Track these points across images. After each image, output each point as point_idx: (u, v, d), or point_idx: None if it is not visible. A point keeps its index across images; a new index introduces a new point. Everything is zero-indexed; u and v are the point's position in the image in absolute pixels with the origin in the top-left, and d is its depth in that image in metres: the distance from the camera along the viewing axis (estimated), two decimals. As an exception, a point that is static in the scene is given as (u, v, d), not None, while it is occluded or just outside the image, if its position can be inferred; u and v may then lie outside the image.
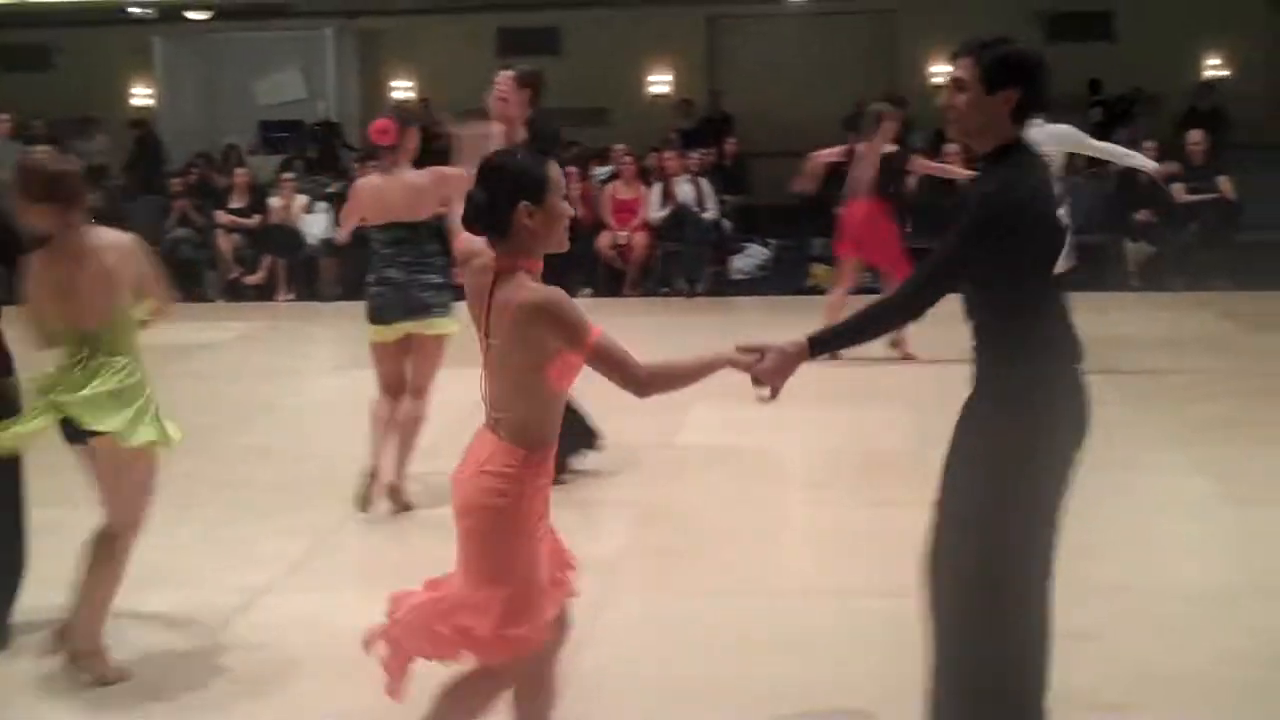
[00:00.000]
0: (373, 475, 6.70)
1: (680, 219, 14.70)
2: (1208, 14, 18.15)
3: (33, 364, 4.79)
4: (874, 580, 5.52)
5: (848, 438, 7.84)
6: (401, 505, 6.69)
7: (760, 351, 3.57)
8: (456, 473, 3.55)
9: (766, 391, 3.60)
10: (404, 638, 3.54)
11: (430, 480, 6.84)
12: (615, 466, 7.21)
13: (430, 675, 3.60)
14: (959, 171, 11.04)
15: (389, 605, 3.63)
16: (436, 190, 6.53)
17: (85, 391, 4.48)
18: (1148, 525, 6.36)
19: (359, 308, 6.92)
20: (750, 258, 15.50)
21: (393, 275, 6.63)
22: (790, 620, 5.22)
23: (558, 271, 3.72)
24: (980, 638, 3.54)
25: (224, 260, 15.44)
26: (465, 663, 3.55)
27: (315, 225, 15.16)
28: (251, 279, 15.26)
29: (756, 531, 6.44)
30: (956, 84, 3.51)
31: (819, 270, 13.97)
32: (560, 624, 3.66)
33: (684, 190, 14.89)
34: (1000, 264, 3.41)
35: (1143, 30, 18.39)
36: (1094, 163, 13.53)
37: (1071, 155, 10.72)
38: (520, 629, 3.42)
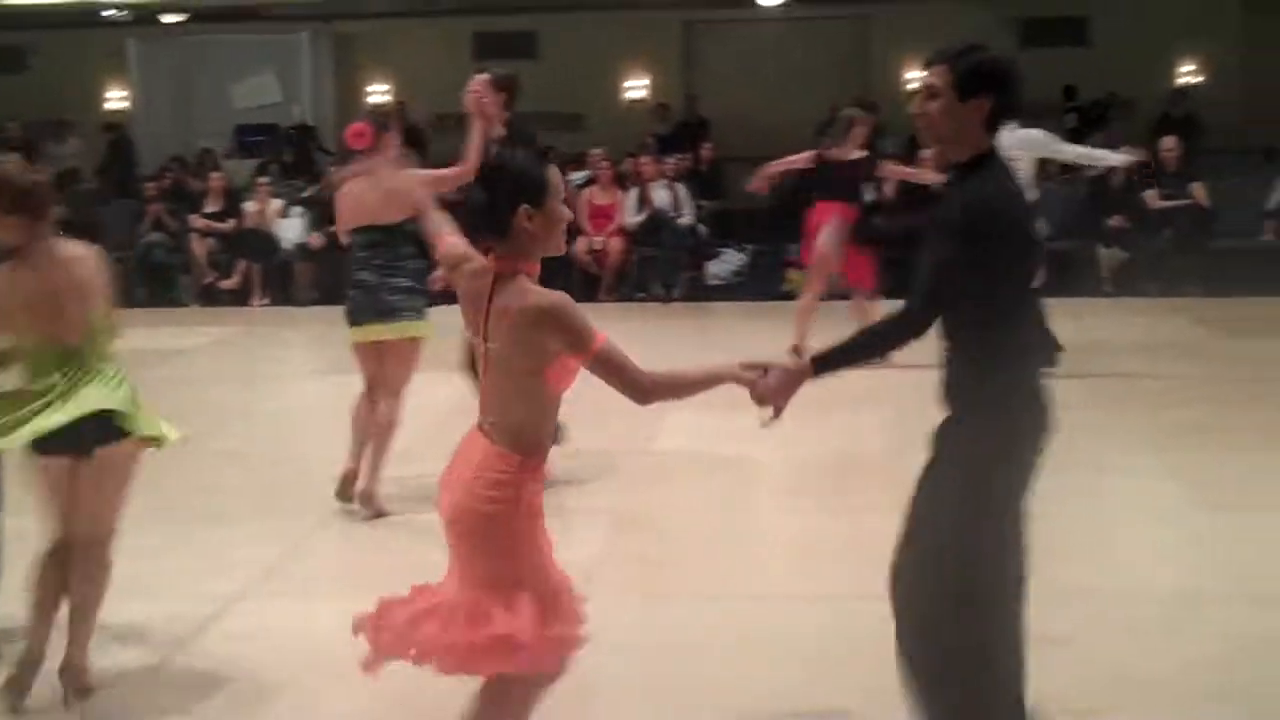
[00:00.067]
0: (350, 475, 6.72)
1: (656, 224, 14.72)
2: (1182, 20, 18.25)
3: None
4: (853, 585, 5.50)
5: (824, 443, 7.84)
6: (375, 511, 6.68)
7: (764, 369, 3.56)
8: (446, 477, 3.53)
9: (769, 413, 3.57)
10: (422, 655, 3.47)
11: (408, 484, 6.85)
12: (591, 473, 7.21)
13: (419, 678, 3.58)
14: (929, 176, 11.00)
15: (378, 611, 3.56)
16: (409, 193, 6.52)
17: (121, 393, 4.44)
18: (1120, 529, 6.38)
19: (334, 312, 6.91)
20: (726, 263, 15.51)
21: (366, 278, 6.64)
22: (770, 624, 5.23)
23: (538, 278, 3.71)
24: (957, 645, 3.53)
25: (198, 265, 15.38)
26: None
27: (290, 230, 15.13)
28: (226, 284, 15.21)
29: (734, 537, 6.45)
30: (929, 91, 3.52)
31: (795, 275, 13.96)
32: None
33: (660, 195, 14.91)
34: (979, 272, 3.42)
35: (1117, 36, 18.48)
36: (1066, 169, 13.61)
37: (1043, 162, 10.77)
38: (559, 626, 3.42)
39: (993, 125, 3.51)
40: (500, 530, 3.39)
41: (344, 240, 7.05)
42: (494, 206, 3.40)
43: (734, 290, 14.99)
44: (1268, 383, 9.44)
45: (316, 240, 14.57)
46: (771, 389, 3.54)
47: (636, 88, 19.97)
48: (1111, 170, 12.92)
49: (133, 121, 20.06)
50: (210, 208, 15.60)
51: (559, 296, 3.38)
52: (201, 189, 16.12)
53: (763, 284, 14.78)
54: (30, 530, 4.78)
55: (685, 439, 7.97)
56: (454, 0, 19.56)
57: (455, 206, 10.66)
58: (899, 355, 3.95)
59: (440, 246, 3.73)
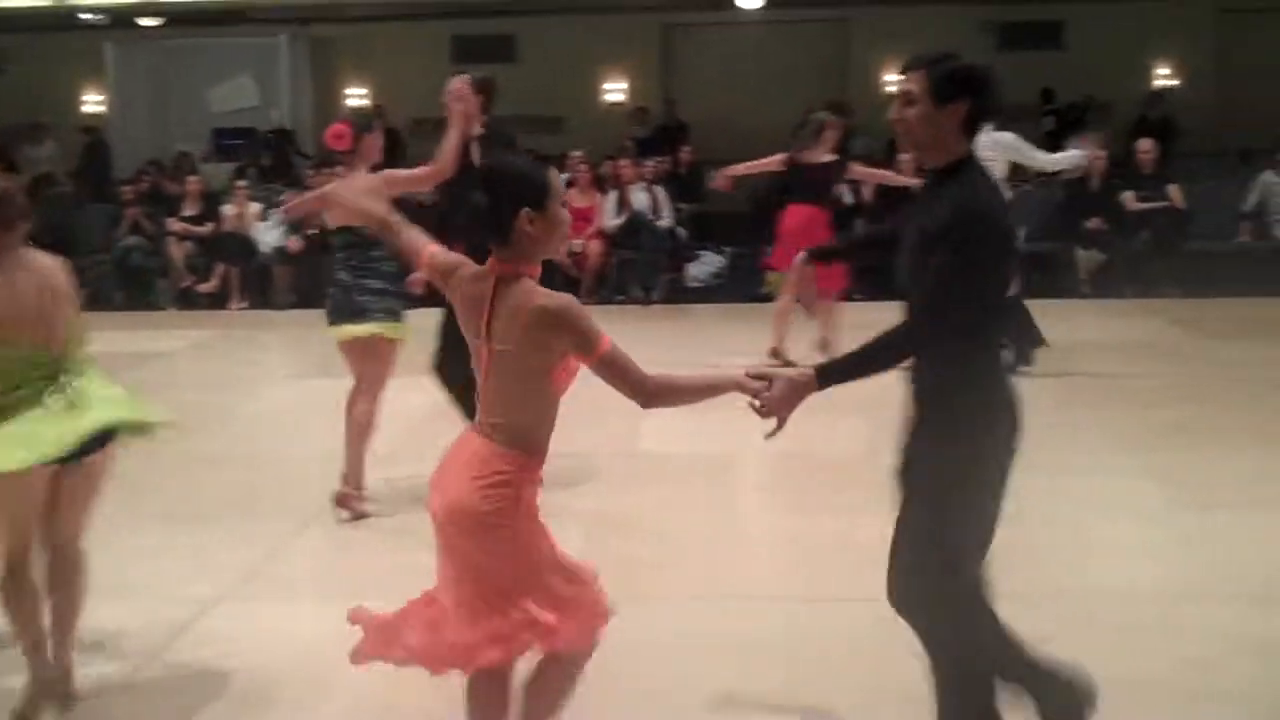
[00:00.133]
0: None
1: (635, 227, 14.73)
2: (1157, 23, 18.37)
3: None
4: (836, 586, 5.55)
5: (805, 444, 7.79)
6: (355, 513, 6.66)
7: (768, 380, 3.55)
8: (438, 478, 3.54)
9: (772, 424, 3.55)
10: (422, 660, 3.53)
11: (388, 486, 6.85)
12: (573, 476, 7.20)
13: (401, 681, 3.58)
14: (898, 179, 11.00)
15: (394, 623, 3.59)
16: (381, 193, 6.53)
17: (128, 399, 4.43)
18: (1099, 529, 6.40)
19: (313, 316, 6.91)
20: (705, 265, 15.53)
21: (343, 278, 6.65)
22: (755, 625, 5.23)
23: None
24: (962, 638, 3.61)
25: (176, 268, 15.33)
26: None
27: (268, 233, 15.09)
28: (204, 287, 15.16)
29: (716, 538, 6.44)
30: (906, 98, 3.53)
31: (774, 278, 13.98)
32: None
33: (639, 198, 14.92)
34: (967, 277, 3.42)
35: (1093, 39, 18.58)
36: (1042, 173, 13.67)
37: (1017, 165, 10.82)
38: (574, 608, 3.53)
39: (970, 129, 3.53)
40: (502, 529, 3.43)
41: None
42: (496, 209, 3.43)
43: (713, 292, 15.01)
44: (1245, 383, 9.49)
45: (295, 244, 14.54)
46: (775, 399, 3.52)
47: (616, 91, 20.00)
48: (1086, 178, 13.04)
49: (110, 125, 20.02)
50: (188, 211, 15.56)
51: (568, 298, 3.43)
52: (179, 192, 16.07)
53: (742, 286, 14.79)
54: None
55: (666, 441, 7.97)
56: (433, 4, 19.55)
57: (426, 209, 10.72)
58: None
59: (423, 258, 3.71)
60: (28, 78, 19.87)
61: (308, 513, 6.74)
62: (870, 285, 11.36)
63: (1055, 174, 13.43)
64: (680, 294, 14.85)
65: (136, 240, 15.57)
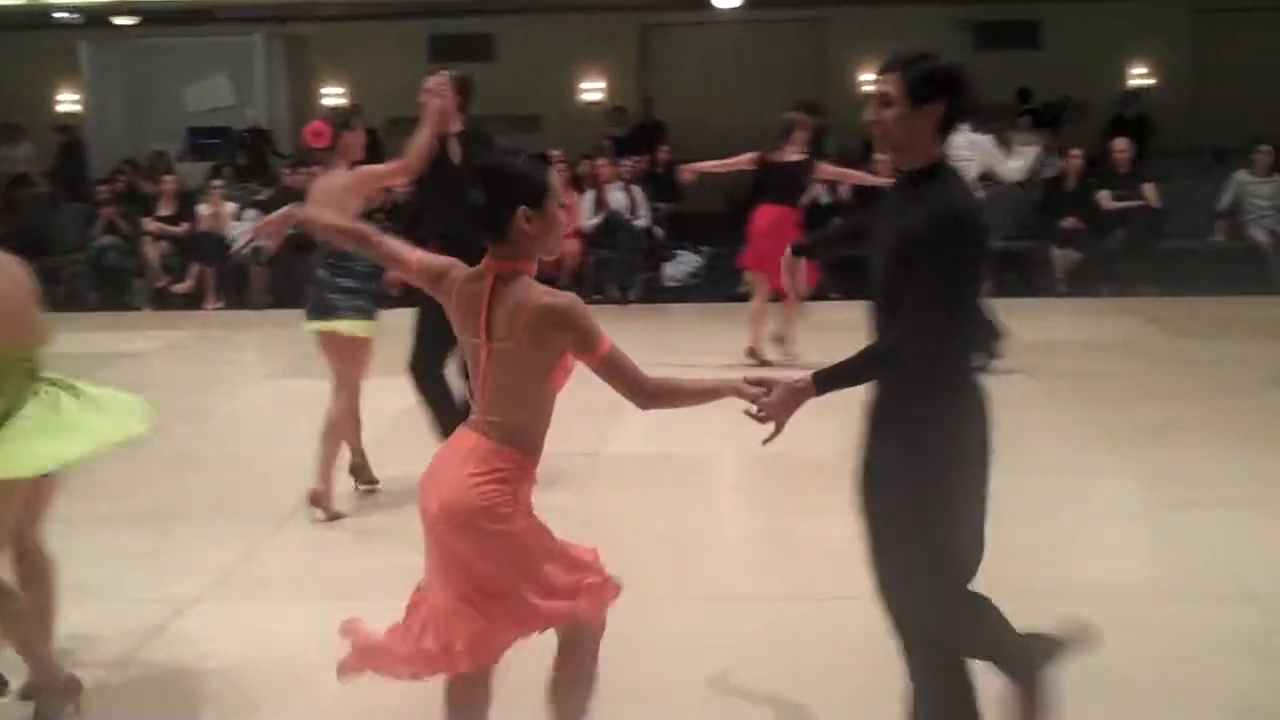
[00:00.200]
0: (356, 467, 6.98)
1: (612, 226, 14.72)
2: (1133, 23, 18.44)
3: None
4: (811, 585, 5.56)
5: (778, 444, 7.84)
6: (330, 514, 6.64)
7: (767, 386, 3.57)
8: (430, 478, 3.54)
9: (769, 430, 3.57)
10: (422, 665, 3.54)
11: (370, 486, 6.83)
12: (544, 477, 7.16)
13: (380, 682, 3.56)
14: (868, 179, 10.96)
15: (384, 644, 3.58)
16: (358, 189, 6.54)
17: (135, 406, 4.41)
18: (1077, 527, 6.42)
19: (289, 316, 6.91)
20: (682, 265, 15.53)
21: (320, 274, 6.67)
22: (729, 625, 5.23)
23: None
24: (949, 637, 3.63)
25: (151, 268, 15.25)
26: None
27: (243, 238, 15.02)
28: (180, 287, 15.09)
29: (689, 538, 6.44)
30: (883, 99, 3.53)
31: (750, 278, 14.00)
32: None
33: (616, 197, 14.91)
34: (947, 277, 3.42)
35: (1070, 39, 18.64)
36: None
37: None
38: (593, 576, 3.65)
39: (945, 130, 3.53)
40: (499, 526, 3.44)
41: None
42: (493, 208, 3.44)
43: (690, 292, 15.01)
44: (1219, 381, 9.54)
45: (271, 248, 14.47)
46: (773, 405, 3.54)
47: (593, 90, 19.98)
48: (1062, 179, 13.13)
49: (85, 124, 19.92)
50: (163, 211, 15.48)
51: (571, 296, 3.46)
52: (154, 192, 15.99)
53: (719, 286, 14.76)
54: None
55: (637, 442, 7.95)
56: (410, 2, 19.51)
57: (399, 208, 10.65)
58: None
59: (412, 266, 3.69)
60: (2, 77, 19.75)
61: (284, 513, 6.71)
62: (843, 283, 11.37)
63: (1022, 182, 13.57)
64: (657, 293, 14.85)
65: (112, 240, 15.49)
